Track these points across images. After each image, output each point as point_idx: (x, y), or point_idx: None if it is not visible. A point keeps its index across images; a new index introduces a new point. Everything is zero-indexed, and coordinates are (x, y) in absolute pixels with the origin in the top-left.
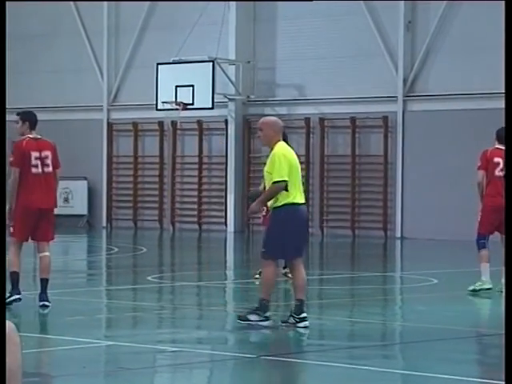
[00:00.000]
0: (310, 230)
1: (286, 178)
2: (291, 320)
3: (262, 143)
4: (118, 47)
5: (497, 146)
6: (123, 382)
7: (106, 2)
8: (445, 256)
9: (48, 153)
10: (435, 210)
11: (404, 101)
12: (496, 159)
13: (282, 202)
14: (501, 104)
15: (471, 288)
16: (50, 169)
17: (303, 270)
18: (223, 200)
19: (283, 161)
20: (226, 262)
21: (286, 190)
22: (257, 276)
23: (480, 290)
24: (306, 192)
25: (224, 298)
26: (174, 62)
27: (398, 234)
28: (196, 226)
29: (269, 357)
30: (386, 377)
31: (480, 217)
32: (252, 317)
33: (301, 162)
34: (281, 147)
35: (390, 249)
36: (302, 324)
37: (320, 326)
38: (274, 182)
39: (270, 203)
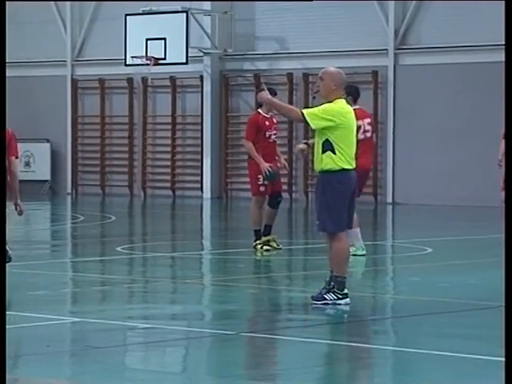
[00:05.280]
0: (294, 195)
1: (310, 121)
2: (329, 296)
3: (320, 95)
4: None
5: (356, 107)
6: (90, 362)
7: None
8: (439, 223)
9: None
10: (429, 172)
11: (395, 54)
12: (359, 122)
13: (327, 167)
14: (497, 57)
15: None
16: None
17: (347, 243)
18: (199, 163)
19: (328, 112)
20: (202, 230)
21: (334, 152)
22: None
23: (354, 255)
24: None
25: (200, 270)
26: (143, 13)
27: (390, 199)
28: (169, 192)
29: (249, 333)
30: (374, 354)
31: None
32: (329, 296)
33: (283, 122)
34: (339, 104)
35: (381, 215)
36: (342, 301)
37: (304, 300)
38: (302, 113)
39: (315, 166)
